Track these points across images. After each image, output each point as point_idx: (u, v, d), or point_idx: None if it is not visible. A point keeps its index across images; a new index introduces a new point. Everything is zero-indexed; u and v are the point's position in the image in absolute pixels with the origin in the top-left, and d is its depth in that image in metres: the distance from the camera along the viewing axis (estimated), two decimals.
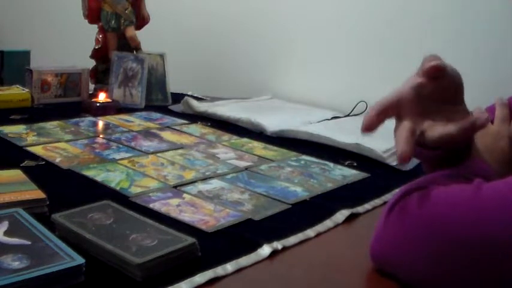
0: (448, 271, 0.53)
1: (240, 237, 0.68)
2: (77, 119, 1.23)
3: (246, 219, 0.74)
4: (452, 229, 0.52)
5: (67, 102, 1.40)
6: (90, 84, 1.50)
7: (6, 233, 0.59)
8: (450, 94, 0.61)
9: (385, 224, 0.59)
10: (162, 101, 1.48)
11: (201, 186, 0.86)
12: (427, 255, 0.54)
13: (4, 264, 0.52)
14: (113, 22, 1.47)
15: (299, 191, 0.86)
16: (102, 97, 1.35)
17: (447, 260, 0.53)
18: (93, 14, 1.49)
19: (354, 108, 1.41)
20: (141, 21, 1.54)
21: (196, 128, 1.24)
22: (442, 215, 0.54)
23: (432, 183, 0.59)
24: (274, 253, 0.65)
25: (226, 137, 1.18)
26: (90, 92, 1.48)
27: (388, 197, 0.86)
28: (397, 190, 0.88)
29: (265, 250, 0.65)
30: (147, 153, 1.02)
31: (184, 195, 0.81)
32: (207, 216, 0.74)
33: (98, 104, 1.32)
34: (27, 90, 1.35)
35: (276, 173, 0.95)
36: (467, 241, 0.51)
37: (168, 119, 1.31)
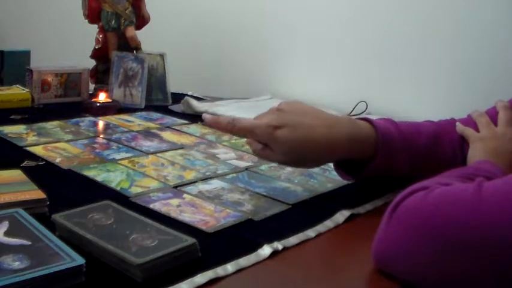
0: (450, 271, 0.53)
1: (240, 237, 0.68)
2: (77, 119, 1.23)
3: (246, 220, 0.74)
4: (454, 229, 0.52)
5: (67, 102, 1.40)
6: (90, 84, 1.50)
7: (6, 233, 0.59)
8: None
9: (387, 224, 0.59)
10: (162, 101, 1.48)
11: (201, 187, 0.86)
12: (430, 255, 0.54)
13: (4, 264, 0.52)
14: (113, 22, 1.47)
15: (299, 191, 0.86)
16: (102, 97, 1.35)
17: (450, 260, 0.53)
18: (93, 14, 1.49)
19: (354, 108, 1.41)
20: (141, 21, 1.54)
21: (197, 128, 1.24)
22: (444, 214, 0.54)
23: (436, 183, 0.59)
24: (275, 253, 0.65)
25: (226, 137, 1.17)
26: (90, 92, 1.48)
27: (389, 197, 0.86)
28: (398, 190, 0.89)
29: (266, 250, 0.65)
30: (147, 153, 1.02)
31: (185, 195, 0.81)
32: (207, 216, 0.74)
33: (98, 104, 1.32)
34: (27, 90, 1.35)
35: (276, 173, 0.95)
36: (469, 240, 0.51)
37: (168, 119, 1.31)
